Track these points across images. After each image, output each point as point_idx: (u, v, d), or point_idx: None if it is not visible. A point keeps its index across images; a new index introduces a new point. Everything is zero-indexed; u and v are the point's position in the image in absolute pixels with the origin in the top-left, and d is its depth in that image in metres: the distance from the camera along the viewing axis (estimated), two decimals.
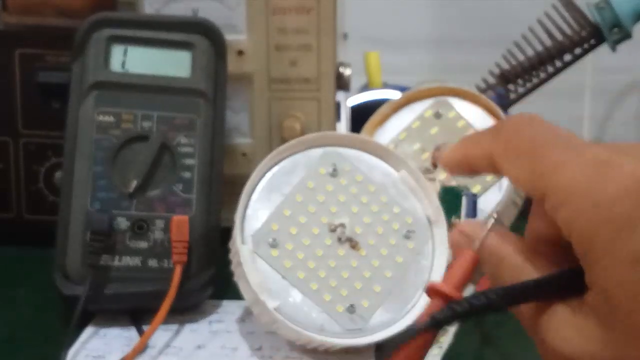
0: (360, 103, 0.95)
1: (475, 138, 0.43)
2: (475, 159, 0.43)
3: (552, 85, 0.89)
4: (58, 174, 0.78)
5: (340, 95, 0.81)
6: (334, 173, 0.61)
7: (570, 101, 1.51)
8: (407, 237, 0.61)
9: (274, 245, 0.60)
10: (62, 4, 0.78)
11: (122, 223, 0.66)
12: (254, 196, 0.61)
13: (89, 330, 0.65)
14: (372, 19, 1.17)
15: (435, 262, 0.61)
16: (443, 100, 0.75)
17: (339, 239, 0.60)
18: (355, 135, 0.65)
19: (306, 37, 0.76)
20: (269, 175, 0.62)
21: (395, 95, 0.90)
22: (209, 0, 0.76)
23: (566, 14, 0.85)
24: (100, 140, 0.67)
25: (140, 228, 0.66)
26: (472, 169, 0.43)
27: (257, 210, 0.61)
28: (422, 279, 0.60)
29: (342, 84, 0.79)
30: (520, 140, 0.40)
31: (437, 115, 0.74)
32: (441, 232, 0.61)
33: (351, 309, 0.59)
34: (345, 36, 0.89)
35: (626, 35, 0.85)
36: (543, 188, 0.38)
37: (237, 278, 0.60)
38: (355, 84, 0.87)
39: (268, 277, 0.59)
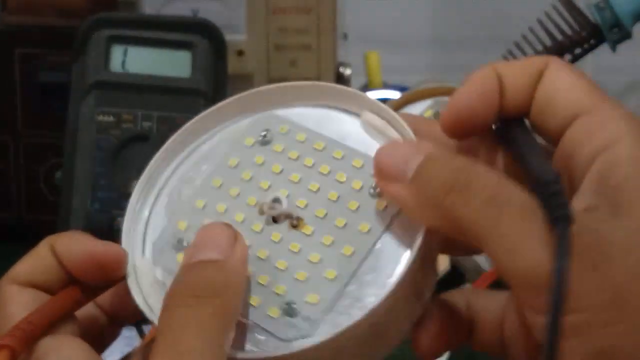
0: None
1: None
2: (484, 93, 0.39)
3: None
4: (58, 174, 0.78)
5: None
6: (266, 140, 0.45)
7: None
8: (374, 194, 0.42)
9: (180, 247, 0.43)
10: (62, 4, 0.78)
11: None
12: (163, 194, 0.45)
13: None
14: (372, 19, 1.17)
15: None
16: (443, 100, 0.75)
17: (273, 220, 0.42)
18: (289, 85, 0.46)
19: (306, 37, 0.76)
20: (180, 167, 0.46)
21: (395, 95, 0.90)
22: (209, 0, 0.76)
23: (566, 14, 0.85)
24: (100, 140, 0.67)
25: None
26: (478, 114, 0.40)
27: (160, 211, 0.45)
28: (405, 246, 0.40)
29: (342, 84, 0.79)
30: None
31: (437, 115, 0.74)
32: None
33: (290, 309, 0.40)
34: (345, 36, 0.89)
35: (626, 35, 0.85)
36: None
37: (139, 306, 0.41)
38: (355, 84, 0.87)
39: None
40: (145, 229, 0.44)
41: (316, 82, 0.46)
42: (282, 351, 0.38)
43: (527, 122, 0.41)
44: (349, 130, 0.44)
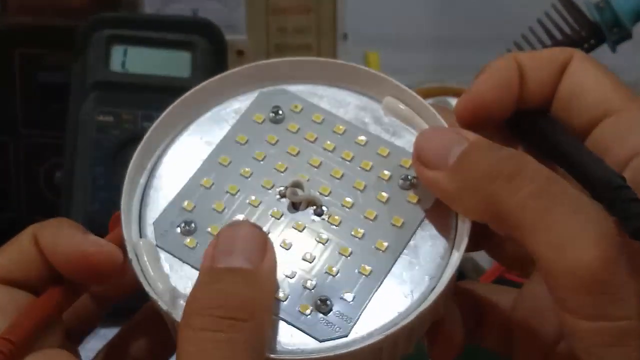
0: None
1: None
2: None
3: None
4: (58, 174, 0.78)
5: None
6: (277, 118, 0.41)
7: None
8: (405, 186, 0.39)
9: (187, 231, 0.39)
10: (62, 4, 0.78)
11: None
12: (160, 168, 0.41)
13: None
14: (372, 19, 1.17)
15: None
16: (443, 100, 0.75)
17: (294, 206, 0.39)
18: (303, 60, 0.42)
19: (306, 37, 0.76)
20: (177, 139, 0.42)
21: None
22: (209, 0, 0.76)
23: (566, 14, 0.85)
24: (100, 140, 0.67)
25: None
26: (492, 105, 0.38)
27: (159, 186, 0.40)
28: (440, 244, 0.38)
29: None
30: None
31: None
32: None
33: (324, 306, 0.37)
34: (345, 36, 0.89)
35: (626, 35, 0.85)
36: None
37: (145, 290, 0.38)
38: None
39: (183, 279, 0.38)
40: (141, 205, 0.40)
41: (333, 60, 0.42)
42: (319, 353, 0.35)
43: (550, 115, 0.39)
44: (369, 115, 0.41)
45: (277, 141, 0.40)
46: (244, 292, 0.33)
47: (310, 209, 0.39)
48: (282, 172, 0.40)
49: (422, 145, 0.37)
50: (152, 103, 0.68)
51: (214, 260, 0.34)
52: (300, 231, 0.38)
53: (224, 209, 0.39)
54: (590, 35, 0.85)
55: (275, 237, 0.38)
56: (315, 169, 0.40)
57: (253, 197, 0.39)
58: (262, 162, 0.40)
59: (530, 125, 0.39)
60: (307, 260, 0.37)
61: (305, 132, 0.41)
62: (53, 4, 0.78)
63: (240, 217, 0.38)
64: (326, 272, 0.37)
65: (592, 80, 0.37)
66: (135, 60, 0.70)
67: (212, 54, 0.71)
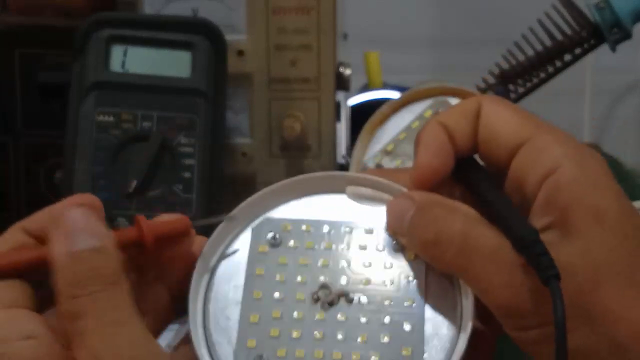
0: (360, 103, 0.96)
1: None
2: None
3: (552, 85, 0.88)
4: (58, 174, 0.78)
5: (340, 95, 0.81)
6: (276, 242, 0.48)
7: (570, 101, 1.51)
8: (399, 249, 0.47)
9: None
10: (62, 4, 0.78)
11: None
12: (211, 327, 0.47)
13: None
14: (372, 19, 1.17)
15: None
16: (443, 100, 0.75)
17: (330, 304, 0.46)
18: (266, 191, 0.50)
19: (306, 37, 0.76)
20: (209, 301, 0.48)
21: (395, 95, 0.90)
22: (209, 0, 0.76)
23: (566, 14, 0.85)
24: (100, 140, 0.67)
25: None
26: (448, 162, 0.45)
27: (221, 340, 0.46)
28: (449, 285, 0.46)
29: (342, 84, 0.79)
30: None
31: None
32: None
33: None
34: (345, 36, 0.89)
35: (626, 35, 0.85)
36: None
37: None
38: (355, 84, 0.87)
39: None
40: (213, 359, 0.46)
41: (295, 178, 0.49)
42: None
43: (478, 159, 0.46)
44: (341, 207, 0.49)
45: (287, 261, 0.48)
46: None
47: (342, 300, 0.46)
48: (305, 283, 0.47)
49: (388, 219, 0.46)
50: (152, 103, 0.68)
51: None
52: (345, 321, 0.46)
53: (280, 333, 0.45)
54: (590, 35, 0.85)
55: (331, 335, 0.45)
56: (327, 268, 0.47)
57: (296, 313, 0.46)
58: (285, 283, 0.47)
59: (461, 175, 0.46)
60: (362, 342, 0.45)
61: (305, 243, 0.48)
62: (53, 4, 0.78)
63: (296, 334, 0.45)
64: (382, 342, 0.45)
65: (500, 119, 0.45)
66: (135, 60, 0.70)
67: (212, 54, 0.71)
